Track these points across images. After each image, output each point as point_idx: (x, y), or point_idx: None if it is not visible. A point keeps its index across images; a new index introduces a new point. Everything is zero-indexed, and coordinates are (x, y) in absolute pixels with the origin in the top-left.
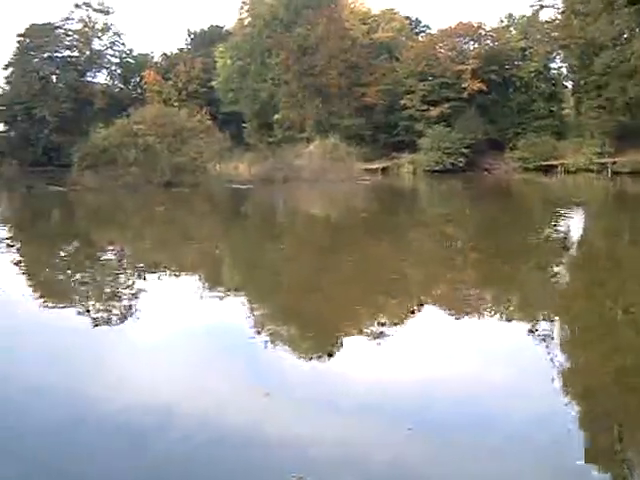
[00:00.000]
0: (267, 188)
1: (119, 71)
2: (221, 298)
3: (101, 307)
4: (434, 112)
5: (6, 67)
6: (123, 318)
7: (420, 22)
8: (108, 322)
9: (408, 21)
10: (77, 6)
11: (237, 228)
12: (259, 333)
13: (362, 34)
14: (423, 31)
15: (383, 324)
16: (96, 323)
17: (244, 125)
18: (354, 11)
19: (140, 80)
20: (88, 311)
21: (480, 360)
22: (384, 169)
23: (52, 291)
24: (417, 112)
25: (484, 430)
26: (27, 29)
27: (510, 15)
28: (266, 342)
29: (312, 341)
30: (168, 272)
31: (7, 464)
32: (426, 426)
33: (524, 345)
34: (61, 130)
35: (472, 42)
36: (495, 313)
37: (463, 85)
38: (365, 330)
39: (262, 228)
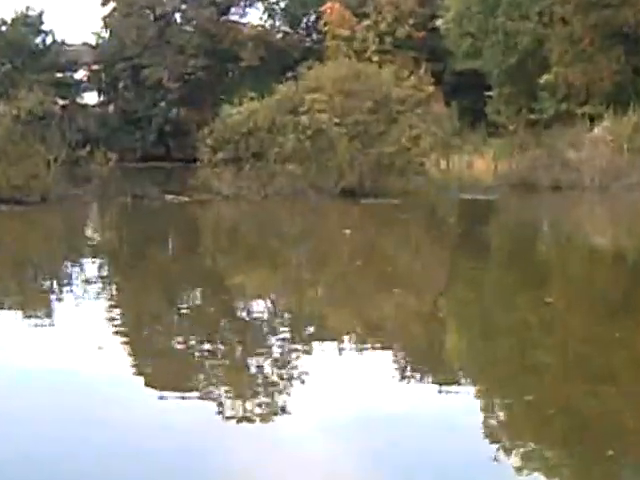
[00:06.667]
0: (524, 199)
1: (282, 5)
2: (442, 385)
3: (245, 395)
4: None
5: (105, 2)
6: (278, 412)
7: None
8: (258, 419)
9: None
10: None
11: (473, 267)
12: (517, 445)
13: None
14: None
15: None
16: (237, 418)
17: (488, 94)
18: None
19: (316, 20)
20: (222, 404)
21: None
22: None
23: (167, 370)
24: None
25: None
26: None
27: None
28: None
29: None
30: (355, 340)
31: None
32: None
33: None
34: (187, 103)
35: None
36: None
37: None
38: None
39: (515, 267)
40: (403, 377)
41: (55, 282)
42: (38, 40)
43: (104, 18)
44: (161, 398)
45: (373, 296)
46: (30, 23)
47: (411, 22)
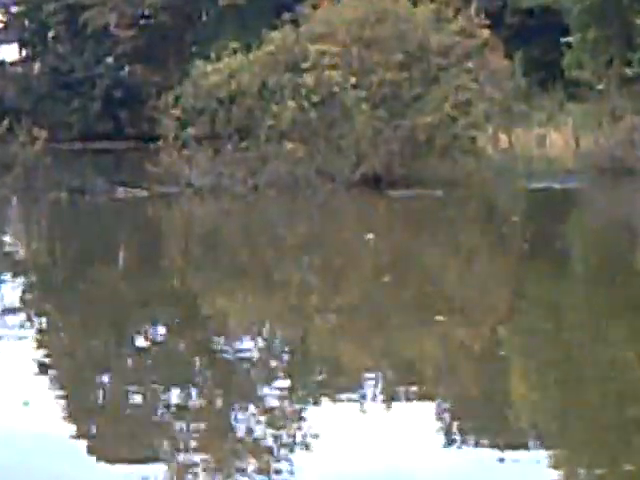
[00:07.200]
0: (617, 188)
1: None
2: (504, 451)
3: (229, 466)
4: None
5: None
6: None
7: None
8: None
9: None
10: None
11: (548, 286)
12: None
13: None
14: None
15: None
16: None
17: (565, 40)
18: None
19: None
20: (196, 478)
21: None
22: None
23: (118, 433)
24: None
25: None
26: None
27: None
28: None
29: None
30: (382, 389)
31: None
32: None
33: None
34: (144, 59)
35: None
36: None
37: None
38: None
39: (606, 285)
40: (450, 441)
41: None
42: None
43: None
44: (109, 467)
45: (407, 326)
46: None
47: None
